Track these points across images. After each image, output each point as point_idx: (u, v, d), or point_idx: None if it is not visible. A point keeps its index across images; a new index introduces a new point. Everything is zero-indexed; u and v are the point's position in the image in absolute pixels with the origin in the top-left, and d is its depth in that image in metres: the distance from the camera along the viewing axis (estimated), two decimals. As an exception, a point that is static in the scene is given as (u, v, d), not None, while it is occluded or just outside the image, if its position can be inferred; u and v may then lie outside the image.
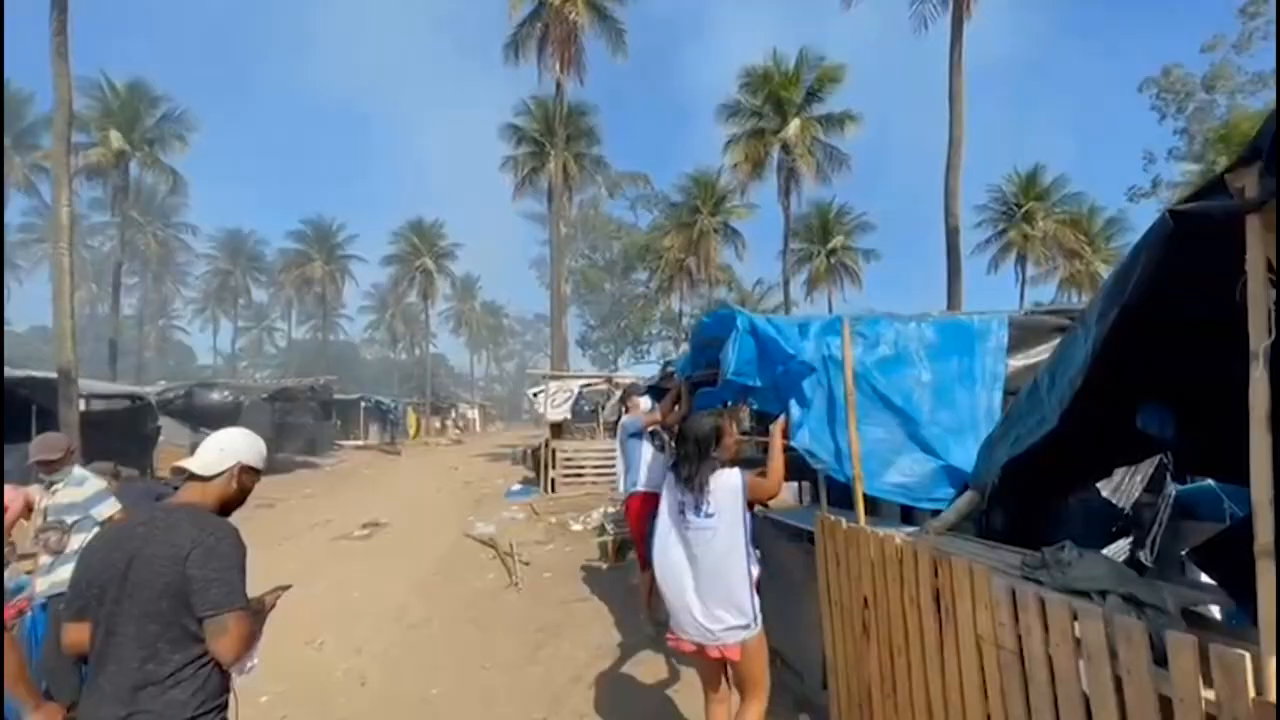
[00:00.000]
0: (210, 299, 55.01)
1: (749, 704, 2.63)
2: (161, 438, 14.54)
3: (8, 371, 11.63)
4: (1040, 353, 3.20)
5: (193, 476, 1.86)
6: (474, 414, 51.50)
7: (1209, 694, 1.36)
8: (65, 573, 3.49)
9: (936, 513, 3.09)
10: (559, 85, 20.33)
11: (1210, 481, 2.97)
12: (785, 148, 23.06)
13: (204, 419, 16.09)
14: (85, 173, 24.09)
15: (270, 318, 61.28)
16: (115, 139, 24.15)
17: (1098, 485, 3.33)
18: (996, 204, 30.48)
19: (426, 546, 8.72)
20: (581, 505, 11.16)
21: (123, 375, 29.89)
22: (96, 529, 3.62)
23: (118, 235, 29.84)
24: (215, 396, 16.64)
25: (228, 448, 1.91)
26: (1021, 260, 29.82)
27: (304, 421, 22.65)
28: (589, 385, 15.03)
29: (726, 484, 2.60)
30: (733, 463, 2.72)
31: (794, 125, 22.70)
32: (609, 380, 14.80)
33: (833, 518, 3.03)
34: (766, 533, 4.62)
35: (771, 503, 5.97)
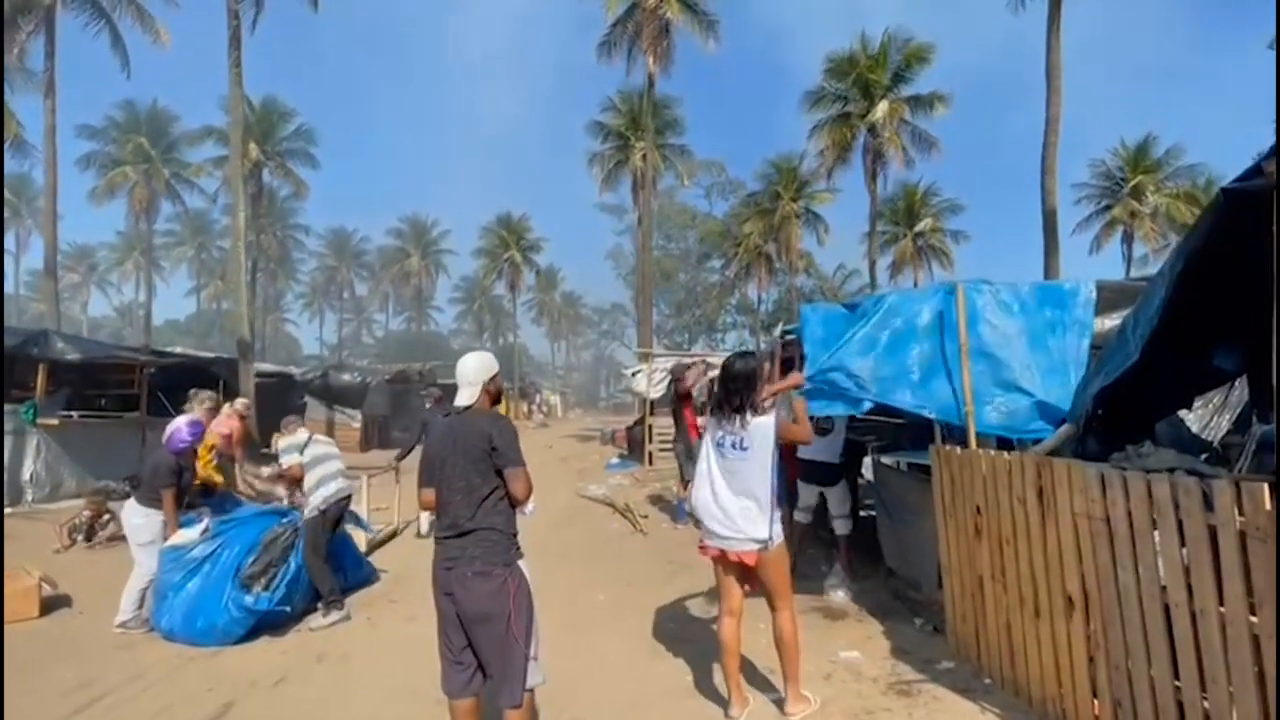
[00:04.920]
0: (317, 293, 60.05)
1: (777, 609, 3.05)
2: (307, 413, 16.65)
3: (202, 352, 13.78)
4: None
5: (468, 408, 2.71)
6: (556, 400, 53.84)
7: (1241, 519, 2.02)
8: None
9: (1035, 444, 3.70)
10: (650, 80, 21.09)
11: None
12: (872, 130, 22.94)
13: (338, 397, 18.18)
14: (227, 181, 27.19)
15: (368, 310, 66.01)
16: (253, 151, 27.08)
17: (1188, 424, 3.83)
18: (1100, 179, 28.94)
19: (547, 503, 9.82)
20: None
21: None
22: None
23: (252, 237, 33.29)
24: (346, 378, 18.68)
25: (473, 380, 2.69)
26: (1128, 239, 28.21)
27: (415, 403, 24.78)
28: (682, 365, 15.79)
29: (761, 425, 2.95)
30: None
31: (881, 108, 22.54)
32: (703, 360, 15.53)
33: (948, 447, 3.71)
34: (884, 475, 5.30)
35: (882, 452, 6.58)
